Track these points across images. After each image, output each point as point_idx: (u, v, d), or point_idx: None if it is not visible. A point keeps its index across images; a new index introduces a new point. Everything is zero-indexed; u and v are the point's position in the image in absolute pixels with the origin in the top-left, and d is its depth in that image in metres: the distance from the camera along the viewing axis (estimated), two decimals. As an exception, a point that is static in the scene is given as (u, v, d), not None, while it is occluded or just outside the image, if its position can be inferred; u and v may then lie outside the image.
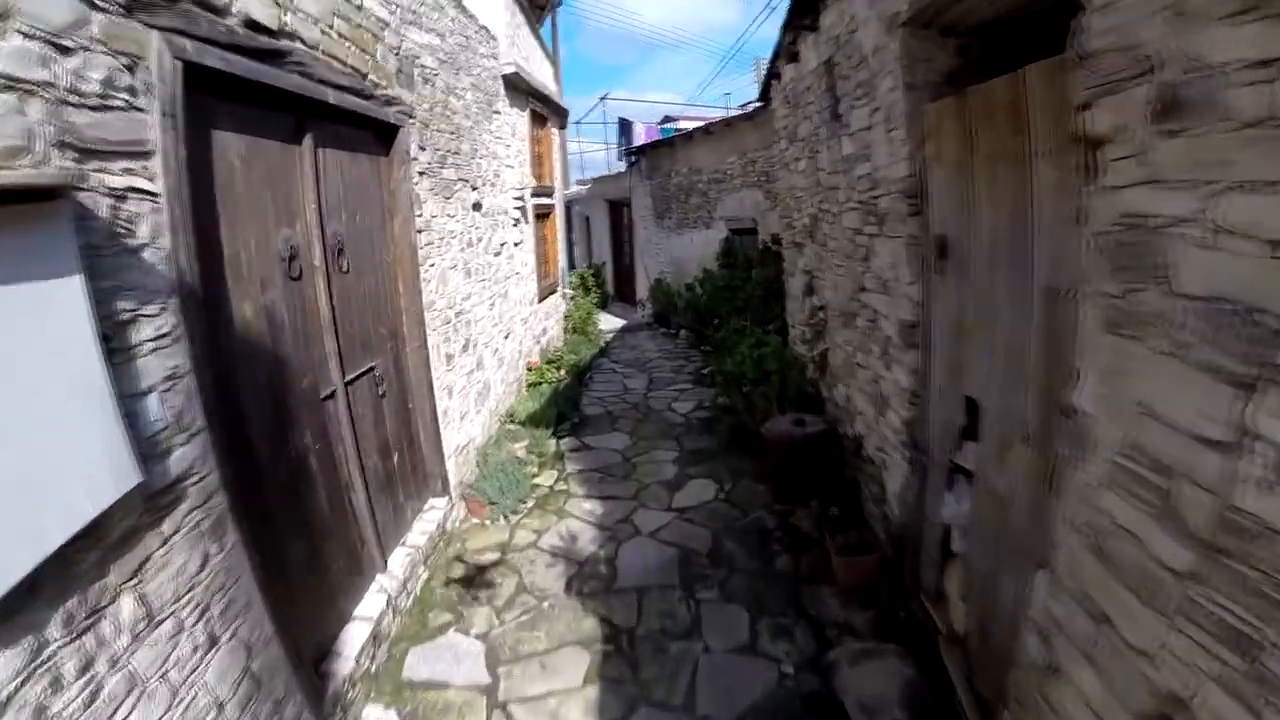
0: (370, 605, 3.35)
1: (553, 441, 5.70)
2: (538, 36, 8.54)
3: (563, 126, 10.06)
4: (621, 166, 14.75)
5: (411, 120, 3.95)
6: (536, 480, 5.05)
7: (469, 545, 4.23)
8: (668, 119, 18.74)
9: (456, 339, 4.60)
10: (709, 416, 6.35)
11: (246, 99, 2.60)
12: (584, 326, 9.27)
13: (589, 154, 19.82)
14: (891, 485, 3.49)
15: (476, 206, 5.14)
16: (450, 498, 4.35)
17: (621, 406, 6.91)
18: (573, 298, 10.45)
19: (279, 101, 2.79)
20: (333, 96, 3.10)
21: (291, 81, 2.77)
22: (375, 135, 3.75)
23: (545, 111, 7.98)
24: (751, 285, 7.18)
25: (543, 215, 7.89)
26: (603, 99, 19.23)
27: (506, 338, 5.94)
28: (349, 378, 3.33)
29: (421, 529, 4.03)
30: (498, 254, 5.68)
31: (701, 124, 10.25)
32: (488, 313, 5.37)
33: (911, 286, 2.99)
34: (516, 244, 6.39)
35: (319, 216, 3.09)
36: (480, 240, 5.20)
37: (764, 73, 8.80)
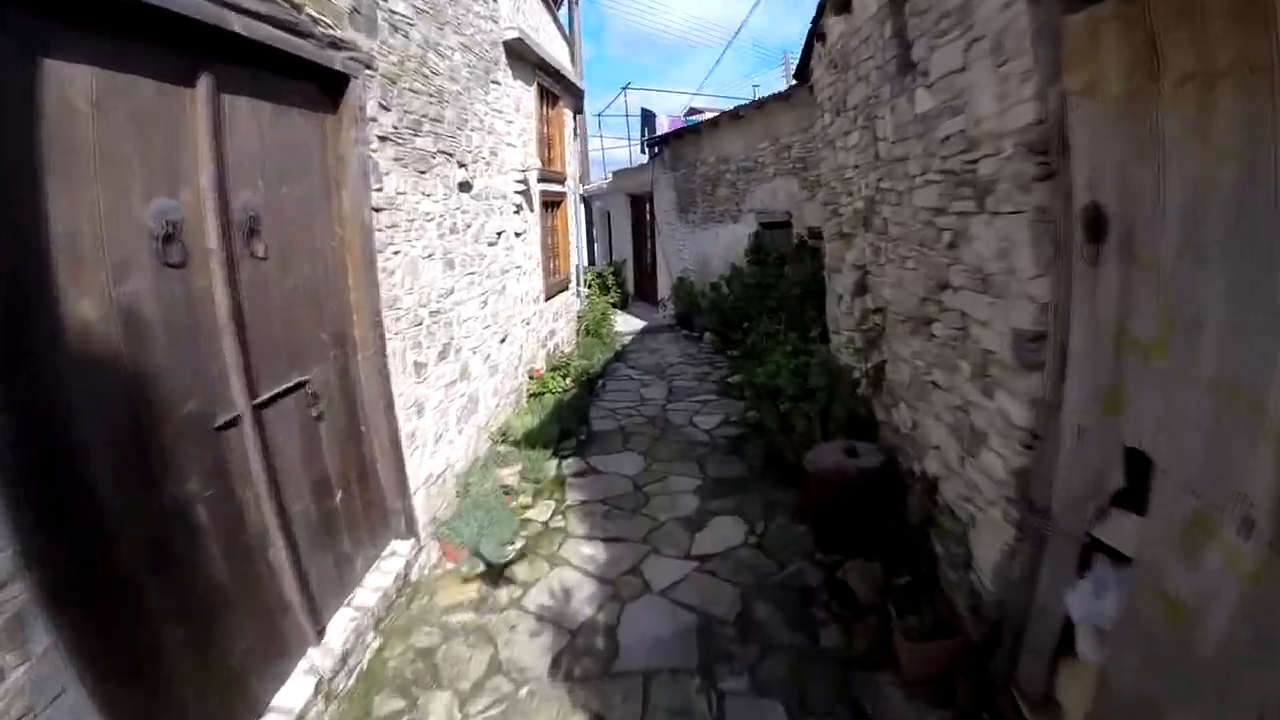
0: (294, 692, 2.56)
1: (553, 463, 4.88)
2: (551, 12, 7.75)
3: (579, 110, 9.25)
4: (644, 160, 13.90)
5: (369, 72, 3.16)
6: (529, 514, 4.23)
7: (438, 600, 3.42)
8: (693, 111, 17.85)
9: (431, 344, 3.80)
10: (737, 435, 5.47)
11: (101, 20, 1.85)
12: (598, 328, 8.44)
13: (611, 150, 19.06)
14: (983, 550, 2.58)
15: (464, 186, 4.33)
16: (417, 540, 3.55)
17: (636, 420, 6.06)
18: (588, 297, 9.63)
19: (156, 27, 2.02)
20: (241, 25, 2.31)
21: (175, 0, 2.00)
22: (319, 88, 2.96)
23: (556, 89, 7.17)
24: (785, 284, 6.27)
25: (552, 204, 7.09)
26: (624, 89, 18.28)
27: (503, 341, 5.14)
28: (263, 398, 2.54)
29: (376, 583, 3.24)
30: (493, 244, 4.87)
31: (730, 109, 9.35)
32: (477, 312, 4.56)
33: (1036, 282, 2.09)
34: (518, 234, 5.58)
35: (218, 183, 2.31)
36: (468, 227, 4.39)
37: (793, 68, 7.93)
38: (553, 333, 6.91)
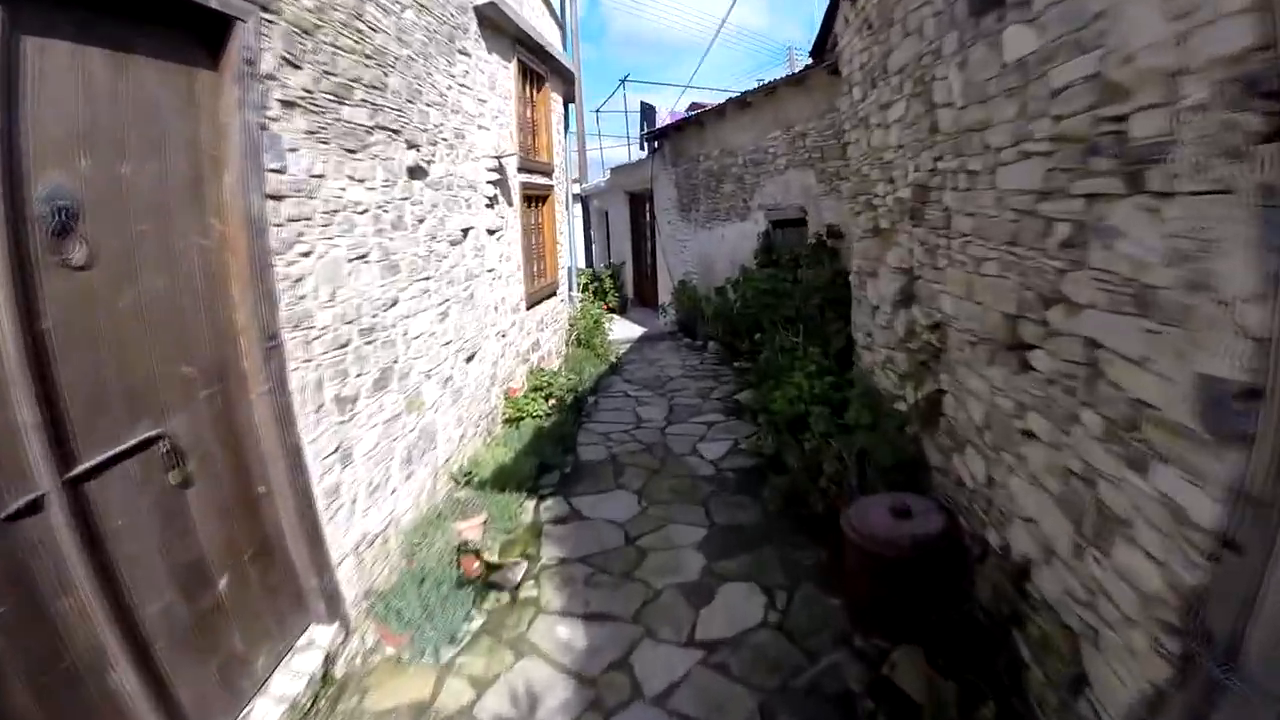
0: None
1: (530, 504, 4.08)
2: (538, -13, 6.98)
3: (571, 99, 8.45)
4: (643, 157, 13.09)
5: (267, 16, 2.36)
6: (493, 578, 3.42)
7: (371, 702, 2.62)
8: (695, 107, 17.05)
9: (364, 370, 3.00)
10: (748, 467, 4.66)
11: None
12: (590, 338, 7.62)
13: (611, 150, 18.24)
14: (1109, 682, 1.79)
15: (416, 172, 3.54)
16: (343, 623, 2.76)
17: (631, 448, 5.25)
18: (582, 302, 8.82)
19: None
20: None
21: None
22: (189, 33, 2.17)
23: (542, 70, 6.37)
24: (804, 291, 5.47)
25: (536, 198, 6.29)
26: (623, 82, 17.49)
27: (471, 360, 4.33)
28: (85, 466, 1.75)
29: (283, 689, 2.44)
30: (456, 243, 4.07)
31: (735, 95, 8.54)
32: (434, 326, 3.76)
33: (1253, 306, 1.29)
34: (492, 232, 4.78)
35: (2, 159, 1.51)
36: (421, 221, 3.59)
37: (798, 65, 7.19)
38: (536, 344, 6.11)
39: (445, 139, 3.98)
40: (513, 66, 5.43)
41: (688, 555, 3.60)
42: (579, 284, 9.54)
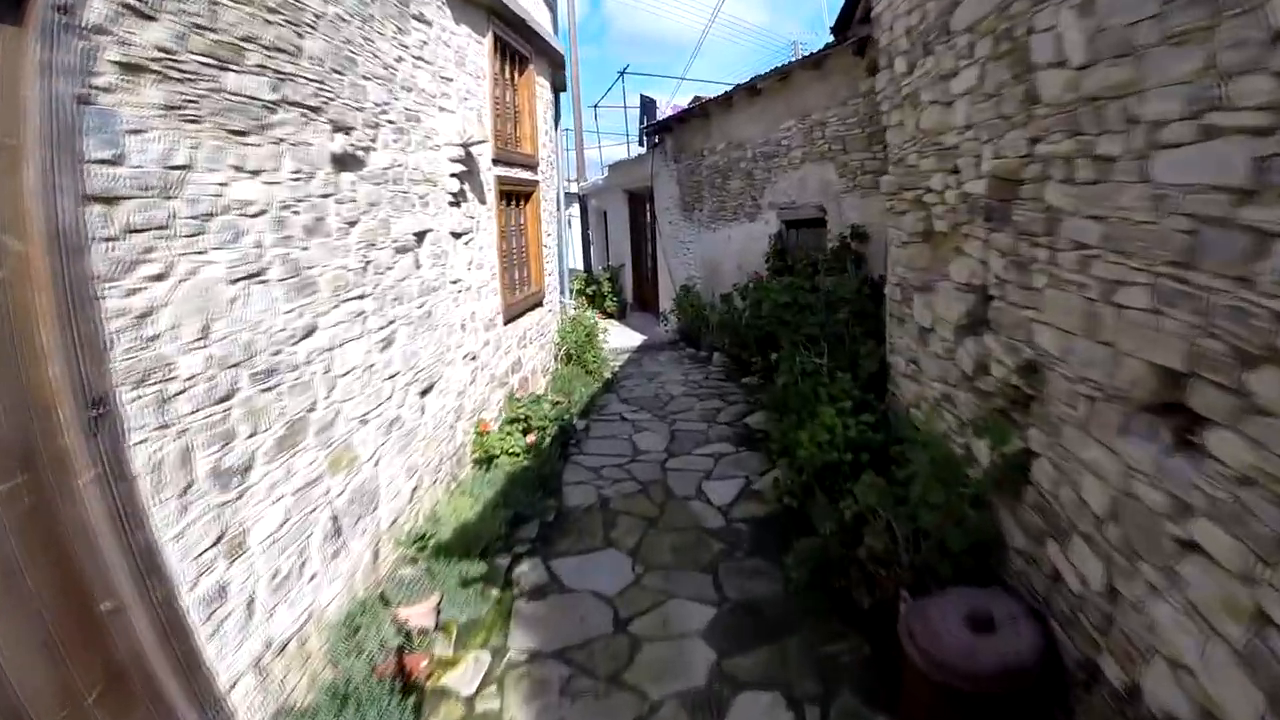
0: None
1: (499, 572, 3.38)
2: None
3: (562, 87, 7.72)
4: (643, 153, 12.35)
5: (85, -68, 1.64)
6: (447, 680, 2.72)
7: None
8: (698, 99, 16.32)
9: (258, 427, 2.29)
10: (764, 517, 3.96)
11: None
12: (582, 353, 6.87)
13: (610, 150, 17.40)
14: None
15: (345, 162, 2.83)
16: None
17: (625, 488, 4.54)
18: (576, 310, 8.10)
19: None
20: None
21: None
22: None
23: (525, 49, 5.64)
24: (826, 301, 4.72)
25: (517, 195, 5.56)
26: (622, 74, 16.75)
27: (427, 393, 3.62)
28: None
29: None
30: (406, 250, 3.36)
31: (745, 81, 7.82)
32: (373, 357, 3.05)
33: None
34: (458, 235, 4.07)
35: None
36: (352, 224, 2.88)
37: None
38: (518, 364, 5.39)
39: (392, 121, 3.26)
40: (487, 42, 4.71)
41: (693, 648, 2.88)
42: (572, 290, 8.83)
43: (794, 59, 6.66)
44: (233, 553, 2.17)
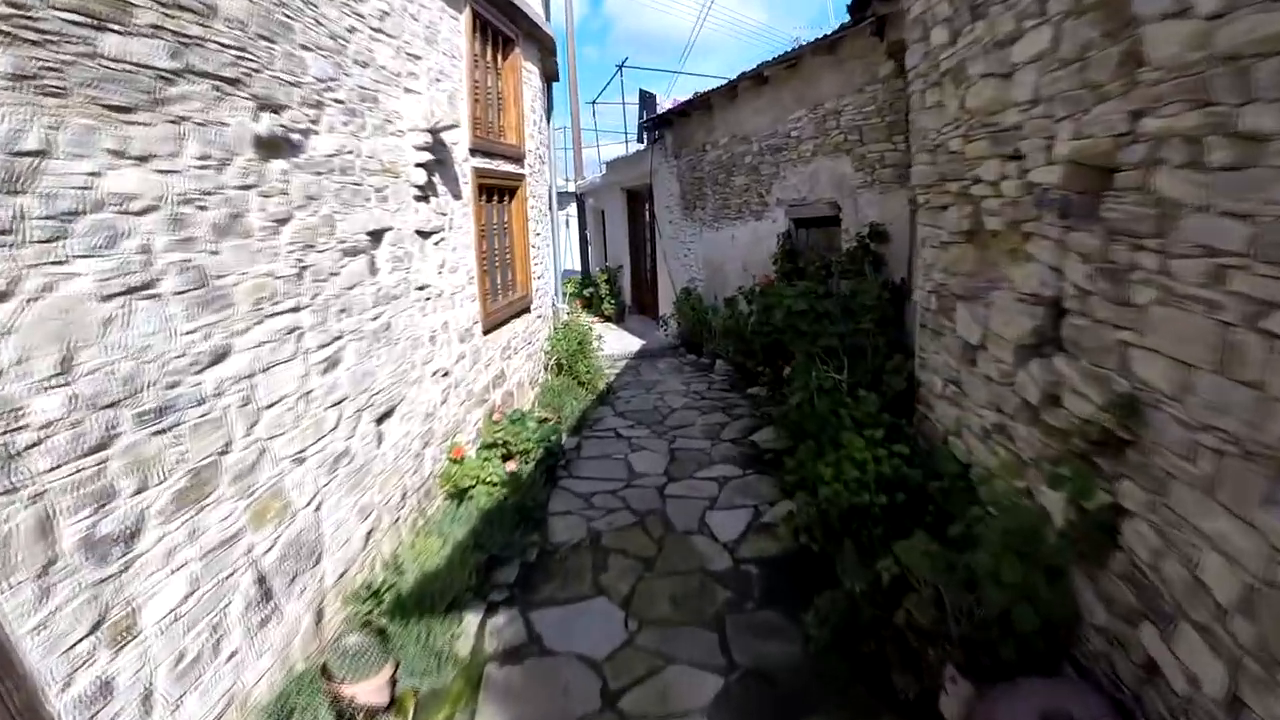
0: None
1: (469, 628, 2.92)
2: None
3: (554, 75, 7.26)
4: (642, 148, 11.87)
5: None
6: (394, 780, 2.25)
7: None
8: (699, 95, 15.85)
9: (148, 480, 1.84)
10: (777, 557, 3.49)
11: None
12: (574, 362, 6.38)
13: (607, 149, 16.84)
14: None
15: (273, 147, 2.37)
16: None
17: (619, 519, 4.07)
18: (569, 315, 7.64)
19: None
20: None
21: None
22: None
23: (510, 30, 5.17)
24: (843, 307, 4.24)
25: (499, 191, 5.08)
26: (620, 68, 16.25)
27: (385, 419, 3.15)
28: None
29: None
30: (356, 253, 2.89)
31: (750, 69, 7.35)
32: (312, 381, 2.58)
33: None
34: (426, 234, 3.60)
35: None
36: (282, 222, 2.42)
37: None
38: (501, 378, 4.92)
39: (341, 101, 2.80)
40: (464, 18, 4.24)
41: (697, 730, 2.42)
42: (566, 293, 8.37)
43: (797, 44, 6.19)
44: (118, 639, 1.71)
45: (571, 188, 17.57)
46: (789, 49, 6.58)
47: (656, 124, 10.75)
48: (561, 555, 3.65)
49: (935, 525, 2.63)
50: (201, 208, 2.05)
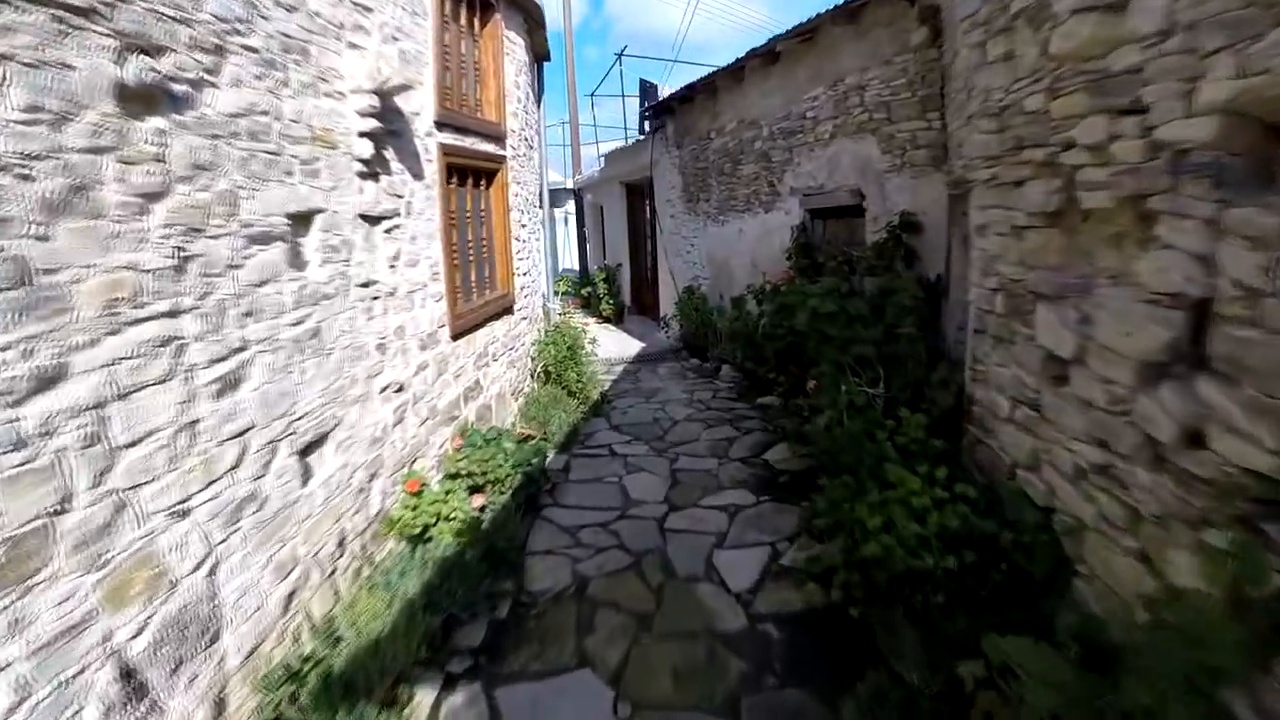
0: None
1: (418, 713, 2.37)
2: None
3: (544, 53, 6.71)
4: (641, 139, 11.30)
5: None
6: None
7: None
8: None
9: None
10: (802, 615, 2.92)
11: None
12: (563, 370, 5.80)
13: (606, 145, 16.16)
14: None
15: (144, 100, 1.82)
16: None
17: (610, 561, 3.51)
18: (561, 316, 7.08)
19: None
20: None
21: None
22: None
23: (489, -8, 4.62)
24: (873, 305, 3.67)
25: (475, 174, 4.50)
26: (619, 56, 15.68)
27: (310, 451, 2.58)
28: None
29: None
30: (268, 239, 2.31)
31: (760, 45, 6.79)
32: (196, 408, 2.01)
33: None
34: (375, 219, 3.05)
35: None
36: (155, 198, 1.85)
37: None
38: (475, 390, 4.34)
39: (253, 49, 2.24)
40: (431, -29, 3.70)
41: None
42: (557, 292, 7.83)
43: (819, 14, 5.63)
44: None
45: (570, 184, 17.04)
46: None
47: (657, 112, 10.21)
48: (540, 609, 3.08)
49: (1016, 593, 2.08)
50: (25, 176, 1.50)
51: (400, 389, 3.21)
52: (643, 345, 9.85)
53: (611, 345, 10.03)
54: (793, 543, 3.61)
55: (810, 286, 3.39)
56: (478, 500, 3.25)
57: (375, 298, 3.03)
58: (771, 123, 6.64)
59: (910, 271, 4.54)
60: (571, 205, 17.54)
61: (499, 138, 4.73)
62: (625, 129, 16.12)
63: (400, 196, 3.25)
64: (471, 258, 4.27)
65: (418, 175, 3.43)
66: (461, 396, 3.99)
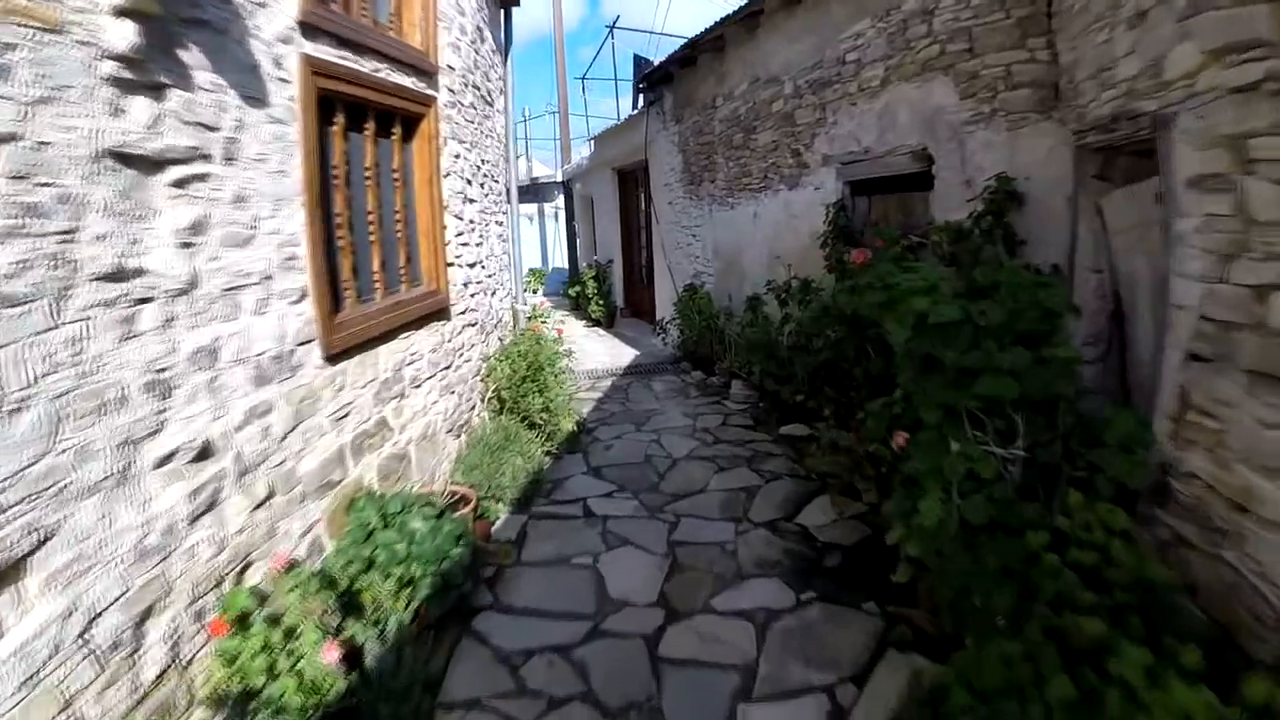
0: None
1: None
2: None
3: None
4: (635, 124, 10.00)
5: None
6: None
7: None
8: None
9: None
10: None
11: None
12: (521, 397, 4.38)
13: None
14: None
15: None
16: None
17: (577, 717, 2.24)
18: (531, 320, 5.78)
19: None
20: None
21: None
22: None
23: None
24: (1003, 315, 2.39)
25: (383, 117, 3.08)
26: (612, 29, 14.35)
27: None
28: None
29: None
30: None
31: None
32: None
33: None
34: (160, 167, 1.77)
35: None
36: None
37: None
38: (370, 439, 2.86)
39: None
40: None
41: None
42: (526, 291, 6.55)
43: None
44: None
45: (559, 176, 15.81)
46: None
47: (652, 82, 8.96)
48: None
49: None
50: None
51: (204, 454, 1.92)
52: (636, 354, 8.58)
53: (600, 353, 8.76)
54: (866, 680, 2.35)
55: (907, 277, 2.11)
56: (330, 657, 1.92)
57: (144, 300, 1.74)
58: (797, 75, 5.35)
59: (1011, 260, 3.27)
60: (560, 200, 16.32)
61: (426, 72, 3.43)
62: (619, 117, 14.88)
63: (213, 129, 1.96)
64: (372, 237, 2.95)
65: (255, 100, 2.13)
66: (348, 449, 2.68)
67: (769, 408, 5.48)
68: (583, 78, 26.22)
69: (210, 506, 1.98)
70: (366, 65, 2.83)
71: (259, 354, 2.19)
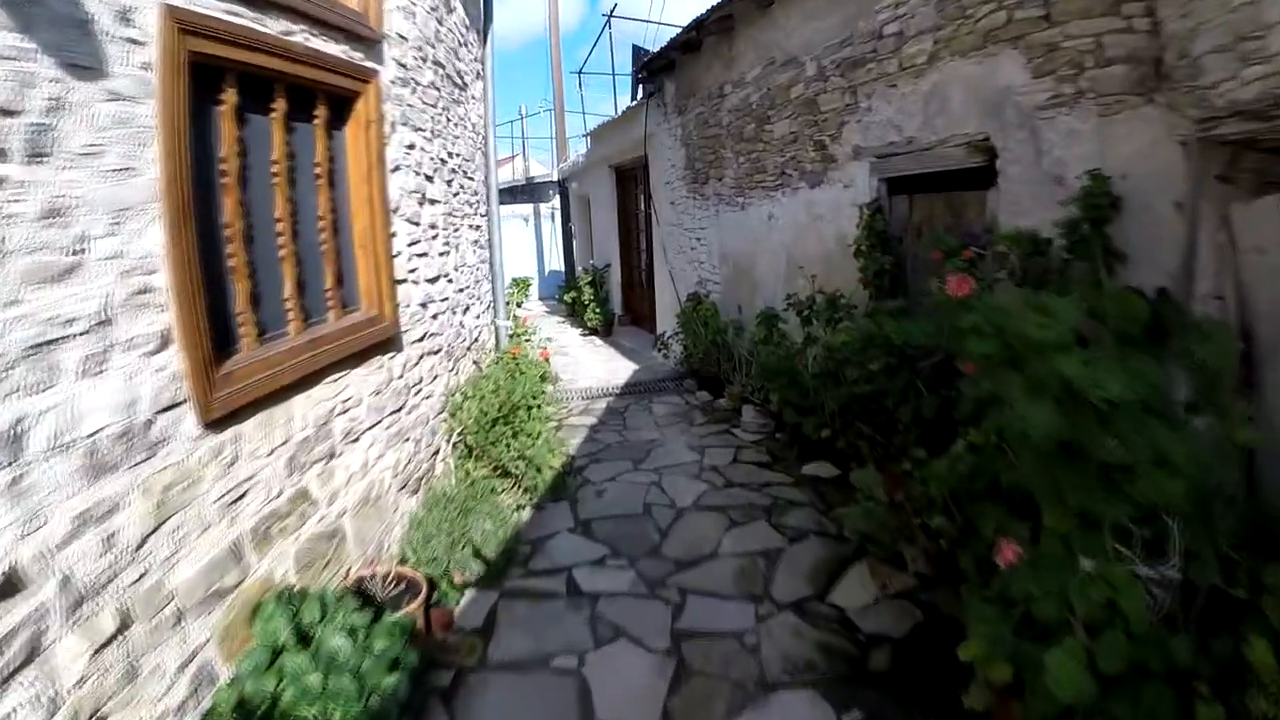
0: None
1: None
2: None
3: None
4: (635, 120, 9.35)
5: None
6: None
7: None
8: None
9: None
10: None
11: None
12: (491, 443, 3.64)
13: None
14: None
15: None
16: None
17: None
18: (513, 338, 5.13)
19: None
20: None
21: None
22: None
23: None
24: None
25: (299, 96, 2.43)
26: (609, 18, 13.62)
27: None
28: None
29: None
30: None
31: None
32: None
33: None
34: None
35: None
36: None
37: None
38: (279, 521, 2.24)
39: None
40: None
41: None
42: (509, 305, 5.91)
43: None
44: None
45: (556, 175, 15.20)
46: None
47: (652, 71, 8.34)
48: None
49: None
50: None
51: (7, 588, 1.30)
52: (634, 368, 7.96)
53: (596, 368, 8.14)
54: None
55: (1038, 320, 1.48)
56: None
57: None
58: (821, 55, 4.71)
59: (1110, 282, 2.63)
60: (557, 201, 15.72)
61: (364, 39, 2.79)
62: (615, 107, 14.23)
63: (8, 114, 1.34)
64: (282, 252, 2.29)
65: (84, 69, 1.49)
66: (246, 541, 2.04)
67: (788, 441, 4.85)
68: (579, 71, 25.64)
69: (29, 659, 1.36)
70: (273, 25, 2.19)
71: (93, 433, 1.55)
